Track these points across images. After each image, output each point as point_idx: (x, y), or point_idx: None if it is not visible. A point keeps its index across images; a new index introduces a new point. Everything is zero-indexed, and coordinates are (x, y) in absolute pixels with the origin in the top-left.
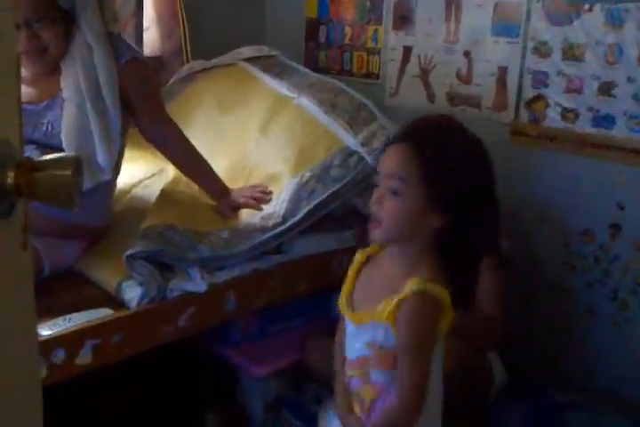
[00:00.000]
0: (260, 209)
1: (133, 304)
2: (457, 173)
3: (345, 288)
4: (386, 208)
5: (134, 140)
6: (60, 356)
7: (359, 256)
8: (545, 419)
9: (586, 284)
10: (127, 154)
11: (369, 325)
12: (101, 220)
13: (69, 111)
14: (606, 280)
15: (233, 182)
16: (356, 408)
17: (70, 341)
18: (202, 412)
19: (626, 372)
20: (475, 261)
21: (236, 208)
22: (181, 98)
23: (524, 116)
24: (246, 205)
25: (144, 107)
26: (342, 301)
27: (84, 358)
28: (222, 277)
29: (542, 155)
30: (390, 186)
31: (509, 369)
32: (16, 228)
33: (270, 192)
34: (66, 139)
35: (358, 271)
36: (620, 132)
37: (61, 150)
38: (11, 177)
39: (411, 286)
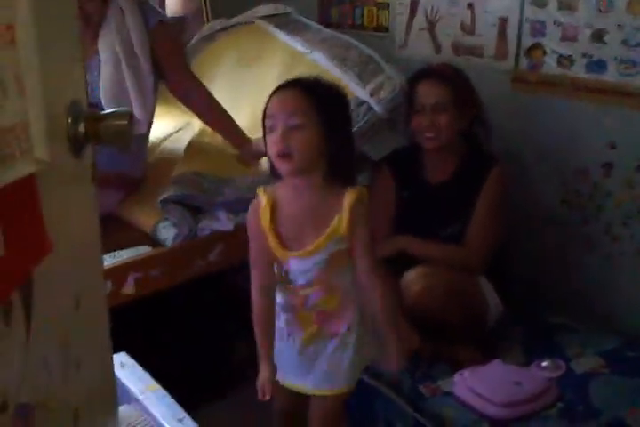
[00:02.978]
0: None
1: (169, 242)
2: (337, 111)
3: (271, 236)
4: (295, 141)
5: (162, 98)
6: (108, 287)
7: (265, 199)
8: (539, 340)
9: (581, 219)
10: (157, 111)
11: (327, 246)
12: (138, 170)
13: (107, 72)
14: (600, 215)
15: (254, 133)
16: (306, 326)
17: (116, 274)
18: (232, 341)
19: (617, 300)
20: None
21: (257, 156)
22: (203, 56)
23: (524, 63)
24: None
25: (171, 65)
26: (276, 247)
27: (128, 288)
28: None
29: (540, 100)
30: (293, 122)
31: (508, 299)
32: (87, 166)
33: None
34: (105, 97)
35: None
36: (611, 76)
37: (100, 108)
38: (82, 127)
39: (350, 198)
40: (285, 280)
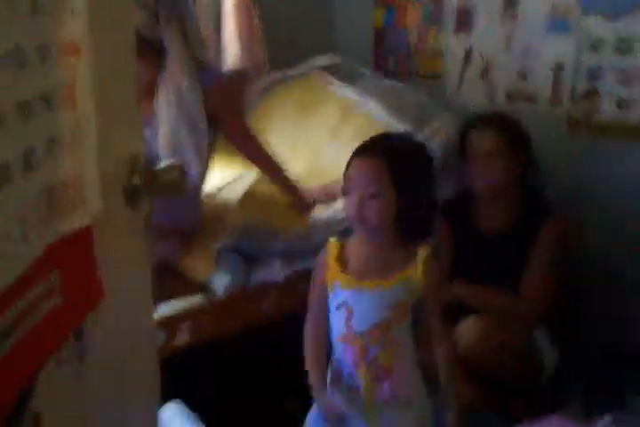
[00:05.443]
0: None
1: (222, 291)
2: (416, 178)
3: (333, 272)
4: (370, 208)
5: (221, 148)
6: (161, 335)
7: (334, 245)
8: (601, 393)
9: None
10: (216, 161)
11: (393, 288)
12: (194, 220)
13: (164, 131)
14: None
15: (309, 182)
16: (365, 381)
17: (170, 323)
18: (283, 395)
19: None
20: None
21: (308, 205)
22: (260, 109)
23: (580, 108)
24: (318, 200)
25: (228, 122)
26: (339, 278)
27: (182, 338)
28: (301, 265)
29: (597, 145)
30: (370, 191)
31: (569, 352)
32: (141, 215)
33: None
34: (162, 153)
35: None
36: None
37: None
38: (137, 180)
39: (424, 252)
40: (346, 325)
